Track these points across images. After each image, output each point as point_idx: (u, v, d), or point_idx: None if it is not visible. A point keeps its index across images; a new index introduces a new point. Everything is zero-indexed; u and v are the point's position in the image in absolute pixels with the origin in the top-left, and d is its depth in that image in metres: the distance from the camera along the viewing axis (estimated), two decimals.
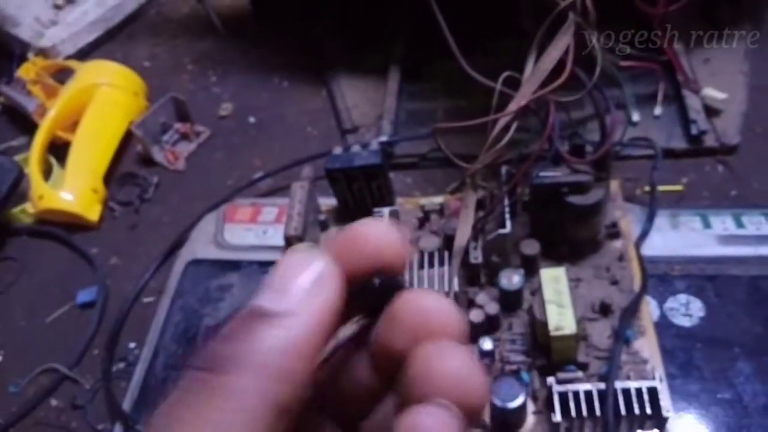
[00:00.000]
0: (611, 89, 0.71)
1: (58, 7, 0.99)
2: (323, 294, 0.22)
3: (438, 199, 0.70)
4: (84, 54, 0.98)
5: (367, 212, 0.65)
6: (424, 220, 0.69)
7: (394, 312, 0.23)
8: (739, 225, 0.67)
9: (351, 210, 0.70)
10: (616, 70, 0.68)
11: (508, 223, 0.60)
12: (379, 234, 0.23)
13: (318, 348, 0.21)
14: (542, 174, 0.59)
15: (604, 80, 0.65)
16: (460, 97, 0.79)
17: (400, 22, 0.89)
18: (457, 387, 0.21)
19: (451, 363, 0.21)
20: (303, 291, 0.22)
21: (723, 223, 0.68)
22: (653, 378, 0.55)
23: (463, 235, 0.61)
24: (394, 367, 0.22)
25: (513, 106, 0.56)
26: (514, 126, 0.57)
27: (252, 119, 0.88)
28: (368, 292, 0.23)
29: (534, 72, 0.56)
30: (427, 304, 0.22)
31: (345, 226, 0.24)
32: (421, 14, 0.68)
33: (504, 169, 0.63)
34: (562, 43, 0.54)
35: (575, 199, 0.59)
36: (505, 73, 0.58)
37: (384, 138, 0.76)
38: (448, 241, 0.63)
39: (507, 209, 0.61)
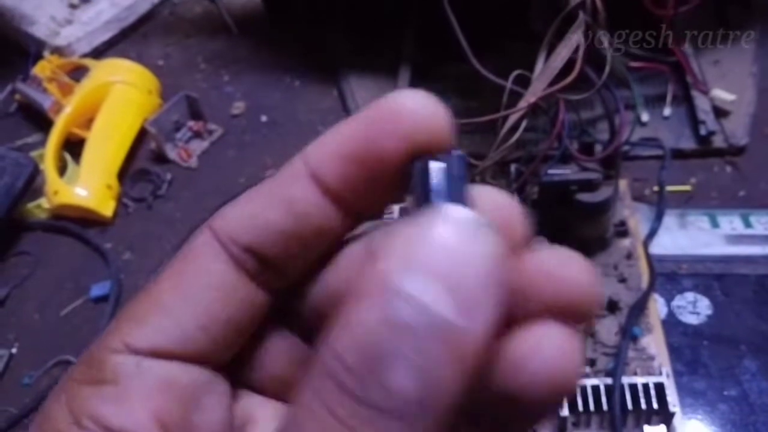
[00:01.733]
0: (621, 89, 0.72)
1: (73, 7, 1.00)
2: (500, 295, 0.18)
3: None
4: (99, 52, 0.99)
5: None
6: None
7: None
8: (747, 225, 0.68)
9: None
10: (625, 70, 0.69)
11: None
12: (415, 107, 0.21)
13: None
14: (551, 172, 0.60)
15: (614, 80, 0.65)
16: (470, 96, 0.79)
17: (409, 21, 0.89)
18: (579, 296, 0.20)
19: (570, 269, 0.20)
20: (482, 296, 0.17)
21: (731, 222, 0.68)
22: (660, 374, 0.55)
23: None
24: None
25: (522, 104, 0.56)
26: (523, 124, 0.57)
27: (264, 118, 0.89)
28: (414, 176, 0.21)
29: (544, 70, 0.57)
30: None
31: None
32: (431, 14, 0.69)
33: (513, 167, 0.64)
34: (572, 42, 0.55)
35: (584, 197, 0.60)
36: (516, 72, 0.59)
37: None
38: None
39: None
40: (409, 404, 0.17)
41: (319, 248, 0.23)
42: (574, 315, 0.20)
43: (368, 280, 0.18)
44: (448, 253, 0.17)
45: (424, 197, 0.20)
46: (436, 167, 0.20)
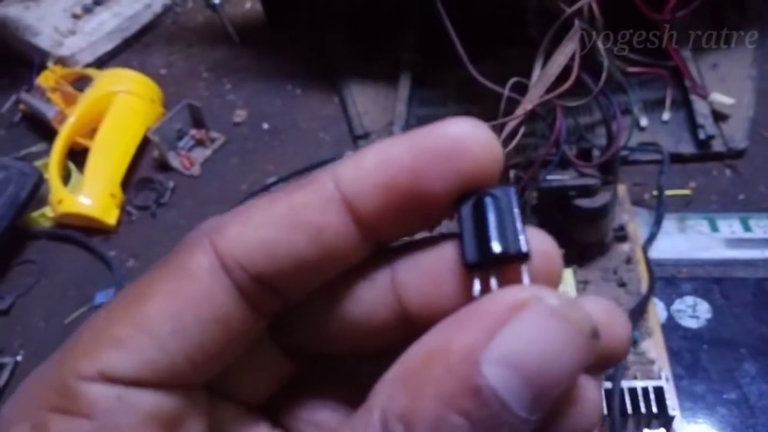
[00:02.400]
0: (618, 95, 0.72)
1: (76, 17, 1.01)
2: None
3: None
4: (102, 62, 1.00)
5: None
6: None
7: None
8: (747, 228, 0.68)
9: None
10: (622, 76, 0.69)
11: None
12: (469, 140, 0.20)
13: None
14: (549, 178, 0.61)
15: (612, 86, 0.66)
16: (470, 102, 0.80)
17: (409, 29, 0.90)
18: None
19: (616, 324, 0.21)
20: (556, 393, 0.18)
21: (730, 226, 0.68)
22: (659, 378, 0.56)
23: None
24: None
25: (520, 111, 0.57)
26: (521, 131, 0.58)
27: (266, 125, 0.90)
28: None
29: (541, 77, 0.57)
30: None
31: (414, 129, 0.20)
32: (430, 21, 0.69)
33: (512, 173, 0.64)
34: (568, 49, 0.56)
35: (582, 203, 0.60)
36: (513, 79, 0.59)
37: None
38: None
39: None
40: None
41: (334, 274, 0.21)
42: (609, 364, 0.21)
43: (450, 350, 0.18)
44: (536, 348, 0.17)
45: (479, 236, 0.20)
46: (490, 203, 0.20)
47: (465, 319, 0.18)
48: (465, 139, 0.20)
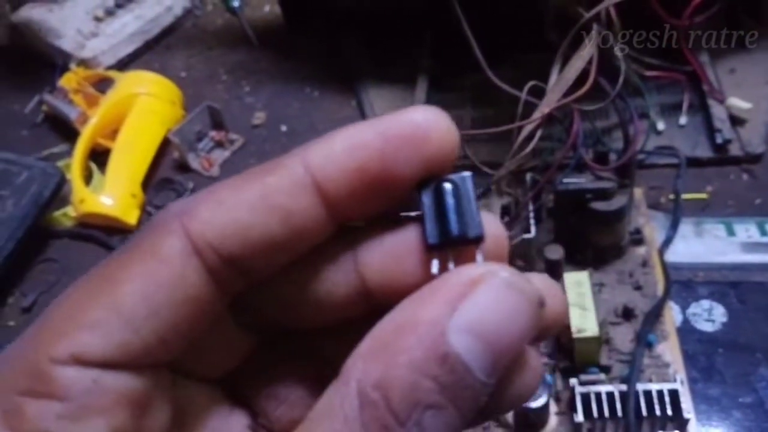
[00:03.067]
0: (635, 98, 0.72)
1: (98, 20, 1.02)
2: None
3: None
4: (123, 64, 1.01)
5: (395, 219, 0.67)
6: None
7: None
8: (763, 233, 0.68)
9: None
10: (640, 80, 0.70)
11: (533, 228, 0.62)
12: (433, 127, 0.21)
13: None
14: (566, 181, 0.61)
15: (629, 90, 0.66)
16: (487, 106, 0.81)
17: (427, 32, 0.91)
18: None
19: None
20: (511, 358, 0.20)
21: (747, 230, 0.68)
22: (675, 381, 0.56)
23: None
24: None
25: (537, 114, 0.57)
26: (538, 134, 0.58)
27: (284, 127, 0.90)
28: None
29: (558, 81, 0.58)
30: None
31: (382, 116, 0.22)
32: (448, 25, 0.70)
33: (529, 176, 0.64)
34: (586, 53, 0.56)
35: (599, 206, 0.61)
36: (531, 83, 0.60)
37: None
38: None
39: (532, 215, 0.63)
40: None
41: (300, 253, 0.22)
42: (548, 334, 0.24)
43: (417, 322, 0.19)
44: (494, 316, 0.20)
45: (438, 219, 0.22)
46: (449, 189, 0.22)
47: (430, 294, 0.20)
48: (428, 126, 0.21)
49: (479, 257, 0.22)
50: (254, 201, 0.21)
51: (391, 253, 0.23)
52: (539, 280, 0.22)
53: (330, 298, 0.23)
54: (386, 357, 0.19)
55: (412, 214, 0.23)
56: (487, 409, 0.21)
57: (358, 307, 0.24)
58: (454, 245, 0.22)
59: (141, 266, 0.21)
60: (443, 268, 0.22)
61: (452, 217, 0.21)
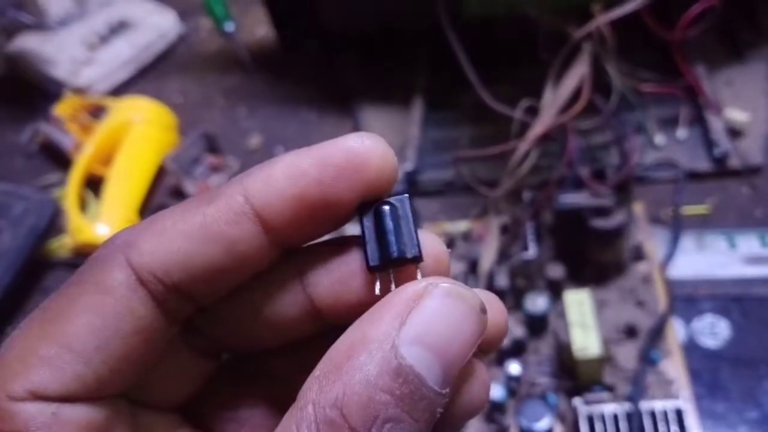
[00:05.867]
0: (634, 114, 0.72)
1: (92, 48, 1.02)
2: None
3: (463, 225, 0.71)
4: (118, 91, 1.01)
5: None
6: (449, 246, 0.70)
7: None
8: (765, 244, 0.67)
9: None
10: (636, 95, 0.69)
11: (532, 247, 0.61)
12: (370, 153, 0.22)
13: None
14: (564, 198, 0.60)
15: (626, 105, 0.66)
16: (484, 124, 0.80)
17: (422, 53, 0.91)
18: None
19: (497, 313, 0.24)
20: (460, 365, 0.21)
21: (748, 243, 0.68)
22: (679, 398, 0.55)
23: (487, 259, 0.62)
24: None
25: (531, 135, 0.57)
26: (533, 153, 0.58)
27: (281, 150, 0.90)
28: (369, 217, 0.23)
29: (552, 100, 0.57)
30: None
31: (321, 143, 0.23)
32: (444, 44, 0.70)
33: (526, 194, 0.64)
34: (578, 71, 0.56)
35: (598, 223, 0.60)
36: (525, 102, 0.60)
37: (408, 166, 0.78)
38: (474, 266, 0.64)
39: (530, 233, 0.62)
40: None
41: (246, 278, 0.23)
42: (493, 346, 0.25)
43: (368, 340, 0.20)
44: (440, 324, 0.21)
45: (378, 241, 0.23)
46: (388, 211, 0.23)
47: (377, 312, 0.21)
48: (365, 153, 0.22)
49: (419, 275, 0.23)
50: (195, 230, 0.22)
51: (336, 275, 0.24)
52: (478, 291, 0.23)
53: (281, 319, 0.24)
54: (341, 376, 0.20)
55: (354, 236, 0.24)
56: (442, 423, 0.21)
57: (310, 326, 0.24)
58: (394, 266, 0.23)
59: (88, 300, 0.21)
60: (385, 289, 0.22)
61: (391, 239, 0.22)
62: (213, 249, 0.22)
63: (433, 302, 0.21)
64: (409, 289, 0.21)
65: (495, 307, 0.24)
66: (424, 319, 0.20)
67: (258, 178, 0.22)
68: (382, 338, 0.20)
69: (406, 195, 0.23)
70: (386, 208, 0.23)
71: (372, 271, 0.23)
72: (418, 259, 0.22)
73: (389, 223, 0.22)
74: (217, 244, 0.22)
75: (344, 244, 0.24)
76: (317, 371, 0.20)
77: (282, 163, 0.22)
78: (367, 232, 0.23)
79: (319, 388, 0.20)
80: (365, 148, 0.22)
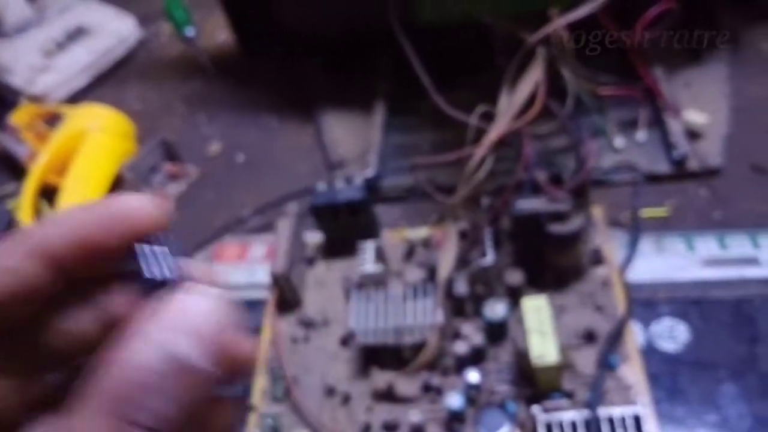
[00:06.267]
0: (590, 117, 0.72)
1: (49, 55, 1.00)
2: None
3: (423, 232, 0.70)
4: (76, 98, 0.99)
5: (353, 246, 0.66)
6: (409, 253, 0.69)
7: None
8: (723, 246, 0.67)
9: (338, 245, 0.71)
10: (593, 99, 0.69)
11: (490, 253, 0.61)
12: (137, 209, 0.28)
13: None
14: (521, 204, 0.60)
15: (584, 109, 0.66)
16: (445, 129, 0.79)
17: (385, 58, 0.90)
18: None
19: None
20: (216, 345, 0.25)
21: (707, 245, 0.68)
22: (638, 403, 0.55)
23: (445, 266, 0.62)
24: None
25: (487, 141, 0.56)
26: (488, 160, 0.57)
27: (241, 157, 0.89)
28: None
29: (507, 106, 0.57)
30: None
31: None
32: (404, 51, 0.69)
33: (484, 200, 0.64)
34: (533, 77, 0.55)
35: (555, 228, 0.60)
36: (480, 108, 0.59)
37: (369, 173, 0.77)
38: (433, 273, 0.63)
39: (489, 239, 0.62)
40: (169, 422, 0.23)
41: (36, 305, 0.27)
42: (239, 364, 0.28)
43: (138, 333, 0.24)
44: (197, 318, 0.25)
45: (146, 271, 0.28)
46: (149, 250, 0.28)
47: (136, 323, 0.25)
48: (136, 209, 0.28)
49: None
50: None
51: (118, 300, 0.29)
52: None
53: (77, 338, 0.28)
54: (114, 364, 0.23)
55: (130, 268, 0.29)
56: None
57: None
58: (159, 288, 0.27)
59: None
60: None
61: (155, 269, 0.28)
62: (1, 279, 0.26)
63: (187, 298, 0.26)
64: (167, 298, 0.26)
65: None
66: (182, 312, 0.25)
67: (47, 227, 0.27)
68: (149, 330, 0.24)
69: (170, 234, 0.29)
70: (153, 246, 0.28)
71: (144, 294, 0.27)
72: (175, 281, 0.28)
73: (155, 256, 0.28)
74: (4, 276, 0.26)
75: (124, 275, 0.29)
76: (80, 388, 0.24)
77: (67, 216, 0.27)
78: (141, 263, 0.28)
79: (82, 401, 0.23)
80: (135, 205, 0.28)
